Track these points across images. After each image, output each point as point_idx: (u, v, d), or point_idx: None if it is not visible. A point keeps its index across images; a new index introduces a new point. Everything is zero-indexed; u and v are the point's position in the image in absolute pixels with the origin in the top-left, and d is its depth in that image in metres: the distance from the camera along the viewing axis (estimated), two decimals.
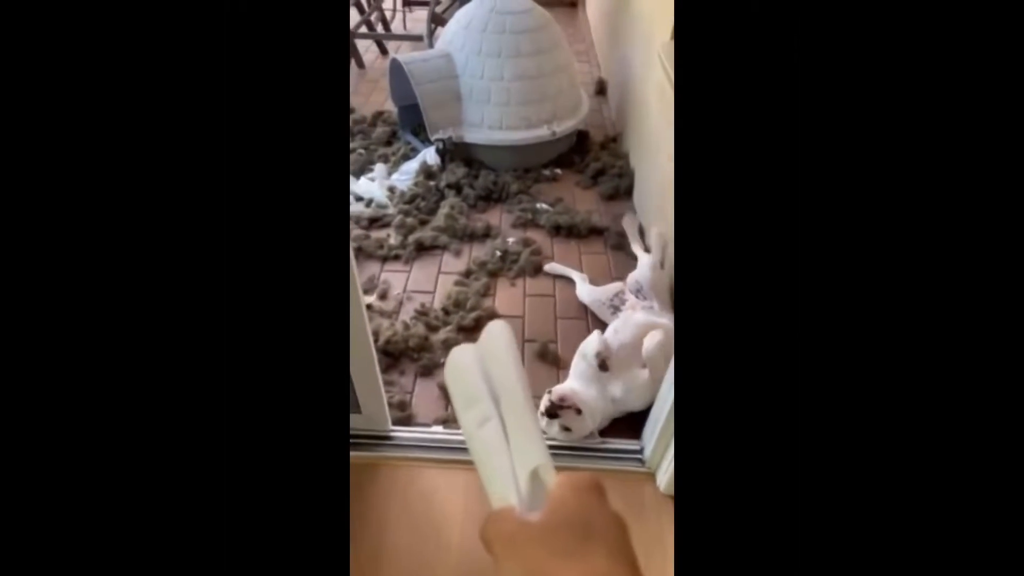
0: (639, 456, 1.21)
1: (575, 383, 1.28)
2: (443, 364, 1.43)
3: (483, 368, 0.42)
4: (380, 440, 1.24)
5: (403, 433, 1.25)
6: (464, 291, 1.67)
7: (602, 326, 1.49)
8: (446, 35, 2.24)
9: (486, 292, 1.70)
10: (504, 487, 0.34)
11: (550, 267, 1.79)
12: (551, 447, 1.19)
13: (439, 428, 1.29)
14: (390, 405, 1.33)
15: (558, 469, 0.34)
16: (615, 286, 1.61)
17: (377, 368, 1.13)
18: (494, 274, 1.77)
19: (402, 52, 3.16)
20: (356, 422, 1.22)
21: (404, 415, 1.32)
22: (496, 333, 0.44)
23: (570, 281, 1.74)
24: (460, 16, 2.21)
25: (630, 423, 1.30)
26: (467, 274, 1.76)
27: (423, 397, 1.39)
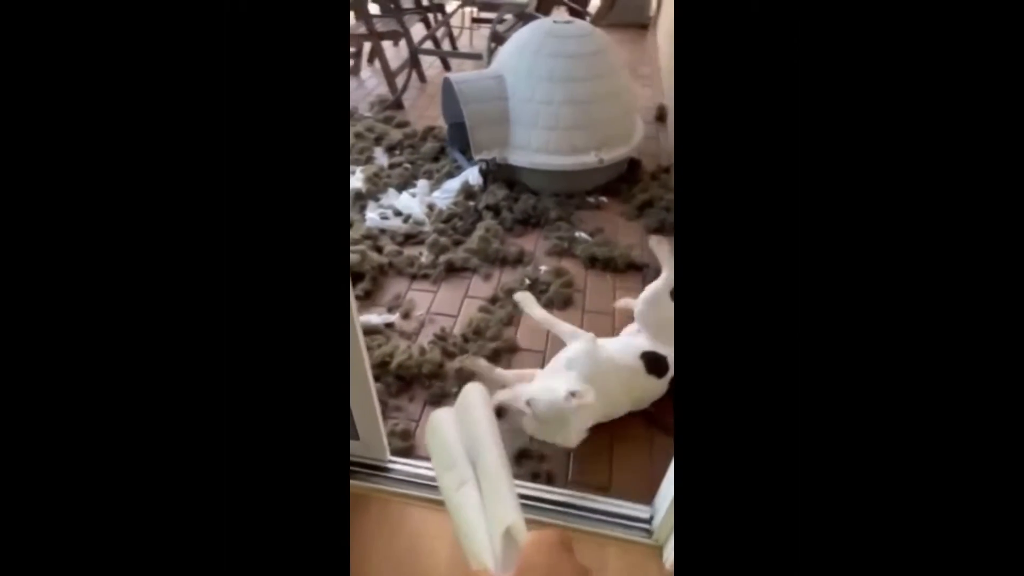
0: (647, 526, 1.10)
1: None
2: (455, 393, 1.38)
3: (461, 430, 0.44)
4: (376, 471, 1.19)
5: (400, 466, 1.21)
6: (487, 318, 1.62)
7: None
8: (501, 55, 2.22)
9: (510, 321, 1.64)
10: (480, 548, 0.37)
11: (656, 241, 1.57)
12: (556, 505, 1.12)
13: None
14: (393, 433, 1.29)
15: (558, 529, 0.37)
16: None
17: (374, 395, 1.09)
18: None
19: (464, 69, 3.19)
20: (353, 448, 1.18)
21: (406, 445, 1.28)
22: (472, 396, 0.46)
23: (601, 317, 1.65)
24: (516, 37, 2.19)
25: (643, 486, 1.19)
26: (493, 300, 1.71)
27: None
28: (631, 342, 1.37)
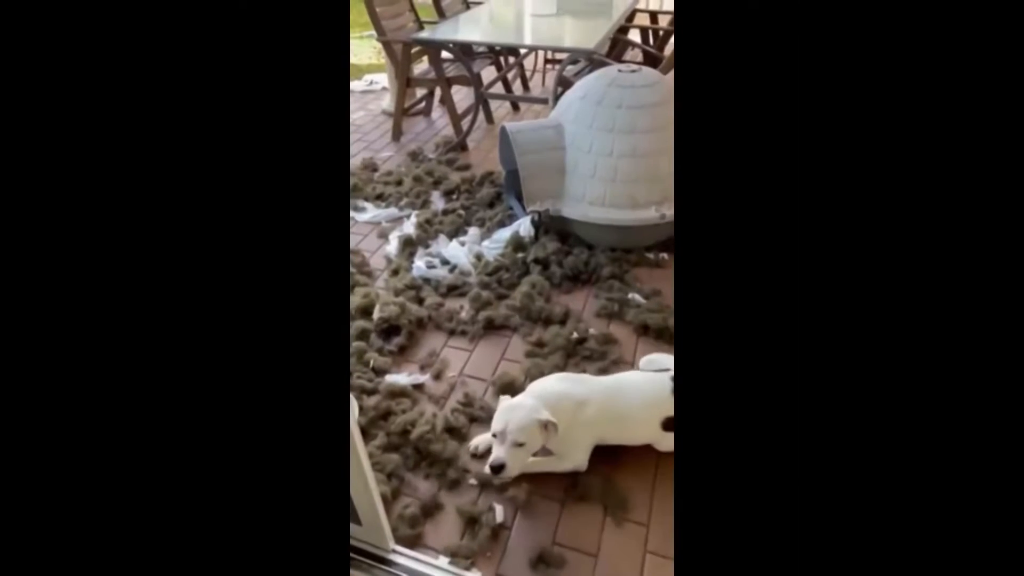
0: None
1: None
2: (472, 484, 1.29)
3: None
4: (378, 562, 1.09)
5: (403, 559, 1.09)
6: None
7: None
8: (562, 104, 2.15)
9: None
10: None
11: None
12: None
13: (444, 561, 1.11)
14: (401, 517, 1.19)
15: None
16: None
17: (372, 482, 0.99)
18: (559, 368, 1.57)
19: (532, 111, 3.16)
20: (355, 532, 1.09)
21: (414, 533, 1.17)
22: None
23: None
24: (580, 85, 2.11)
25: None
26: None
27: (441, 513, 1.23)
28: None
